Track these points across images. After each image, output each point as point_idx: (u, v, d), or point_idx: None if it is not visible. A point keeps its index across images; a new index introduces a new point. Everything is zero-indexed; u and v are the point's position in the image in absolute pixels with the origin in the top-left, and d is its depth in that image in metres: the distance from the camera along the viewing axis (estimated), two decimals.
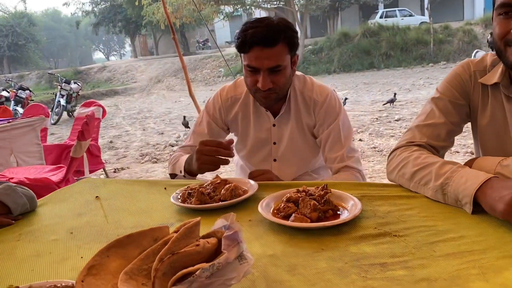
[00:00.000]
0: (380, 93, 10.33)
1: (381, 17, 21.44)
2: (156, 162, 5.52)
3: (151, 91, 17.38)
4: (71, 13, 47.63)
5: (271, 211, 1.07)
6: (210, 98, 1.77)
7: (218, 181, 1.24)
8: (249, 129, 1.71)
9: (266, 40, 1.41)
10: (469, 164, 1.12)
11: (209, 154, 1.36)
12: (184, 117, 7.53)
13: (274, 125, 1.66)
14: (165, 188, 1.38)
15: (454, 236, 0.87)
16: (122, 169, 5.38)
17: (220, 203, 1.15)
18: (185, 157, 1.56)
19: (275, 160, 1.72)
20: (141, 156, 5.94)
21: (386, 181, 1.28)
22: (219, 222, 0.74)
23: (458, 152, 4.63)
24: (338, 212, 1.03)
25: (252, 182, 1.28)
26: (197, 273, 0.62)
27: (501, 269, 0.73)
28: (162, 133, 7.56)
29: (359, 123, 6.72)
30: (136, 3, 19.37)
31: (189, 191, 1.22)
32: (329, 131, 1.59)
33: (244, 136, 1.73)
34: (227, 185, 1.21)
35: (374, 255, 0.83)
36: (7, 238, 1.12)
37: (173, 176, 1.64)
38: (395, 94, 8.36)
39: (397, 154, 1.22)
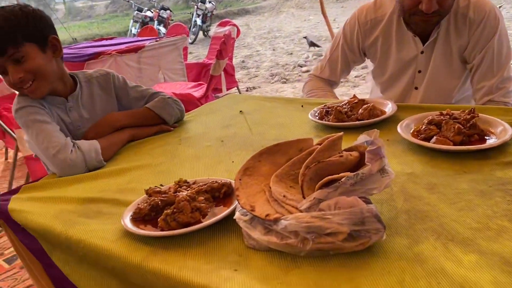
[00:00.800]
0: None
1: None
2: (285, 83, 5.63)
3: (281, 9, 17.20)
4: None
5: (411, 132, 1.07)
6: (347, 20, 1.67)
7: (356, 101, 1.26)
8: (390, 56, 1.58)
9: None
10: None
11: None
12: (305, 37, 7.39)
13: (422, 52, 1.52)
14: (302, 106, 1.44)
15: None
16: (254, 88, 5.61)
17: (358, 122, 1.18)
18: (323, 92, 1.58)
19: (416, 88, 1.60)
20: (271, 76, 6.10)
21: None
22: (362, 138, 0.78)
23: None
24: (486, 138, 0.99)
25: (390, 103, 1.27)
26: (342, 180, 0.68)
27: None
28: (291, 54, 7.59)
29: None
30: None
31: (327, 109, 1.27)
32: (482, 56, 1.42)
33: (383, 63, 1.62)
34: (365, 105, 1.22)
35: None
36: (170, 141, 1.31)
37: None
38: None
39: None
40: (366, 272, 0.62)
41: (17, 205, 1.00)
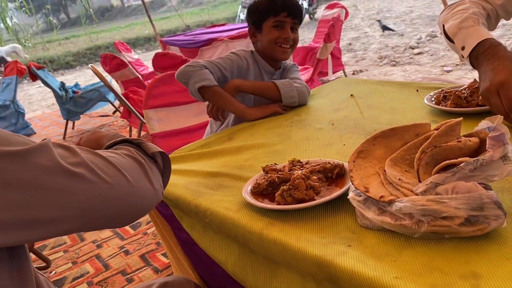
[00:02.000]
0: None
1: None
2: (395, 65, 5.41)
3: None
4: None
5: None
6: None
7: (476, 85, 1.20)
8: None
9: None
10: None
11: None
12: (379, 20, 7.03)
13: None
14: (417, 90, 1.41)
15: None
16: (361, 71, 5.49)
17: (478, 107, 1.13)
18: (484, 32, 1.12)
19: None
20: (379, 58, 5.90)
21: None
22: (483, 123, 0.76)
23: None
24: None
25: None
26: (461, 165, 0.68)
27: None
28: (402, 35, 7.23)
29: None
30: None
31: (444, 93, 1.23)
32: None
33: None
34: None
35: None
36: (283, 124, 1.38)
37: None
38: None
39: None
40: (483, 257, 0.62)
41: None
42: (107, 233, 2.59)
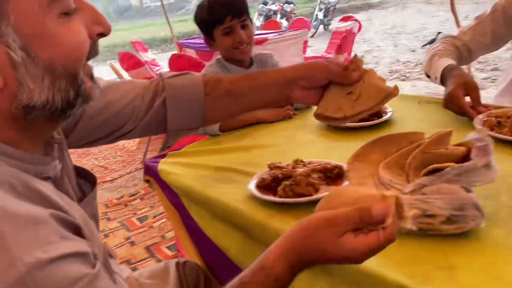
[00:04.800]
0: None
1: None
2: (404, 80, 5.48)
3: (407, 4, 16.42)
4: None
5: None
6: None
7: None
8: None
9: None
10: None
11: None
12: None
13: None
14: (418, 103, 1.49)
15: None
16: None
17: None
18: (447, 61, 1.39)
19: None
20: (390, 73, 5.97)
21: None
22: (471, 135, 0.84)
23: None
24: None
25: None
26: (447, 169, 0.76)
27: None
28: (413, 51, 7.30)
29: None
30: None
31: (497, 119, 1.13)
32: None
33: None
34: None
35: None
36: (289, 127, 1.47)
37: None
38: None
39: None
40: (460, 252, 0.70)
41: (164, 167, 1.23)
42: (114, 223, 2.68)
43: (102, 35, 0.60)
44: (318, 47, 9.24)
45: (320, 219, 0.58)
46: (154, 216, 2.68)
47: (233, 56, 1.66)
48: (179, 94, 0.93)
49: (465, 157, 0.82)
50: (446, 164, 0.77)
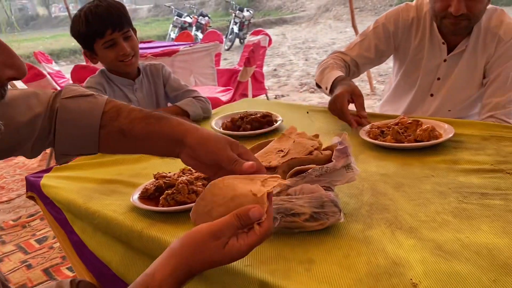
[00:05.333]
0: None
1: None
2: (313, 92, 5.74)
3: (318, 20, 17.31)
4: None
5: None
6: (390, 11, 1.70)
7: (410, 121, 1.22)
8: (417, 58, 1.65)
9: None
10: None
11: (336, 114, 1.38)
12: None
13: (445, 61, 1.60)
14: (307, 112, 1.57)
15: None
16: (282, 96, 5.76)
17: (417, 143, 1.13)
18: (337, 73, 1.52)
19: (432, 95, 1.68)
20: (300, 85, 6.23)
21: None
22: (335, 139, 0.91)
23: None
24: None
25: (446, 125, 1.22)
26: (309, 171, 0.81)
27: None
28: None
29: None
30: None
31: (381, 129, 1.24)
32: (498, 72, 1.50)
33: (412, 64, 1.67)
34: (424, 126, 1.17)
35: (479, 186, 0.91)
36: None
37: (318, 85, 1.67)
38: None
39: None
40: (320, 247, 0.75)
41: (47, 182, 1.17)
42: (9, 247, 2.49)
43: (14, 78, 0.57)
44: (233, 59, 9.40)
45: (205, 234, 0.60)
46: (54, 237, 2.52)
47: (118, 68, 1.62)
48: (72, 119, 0.83)
49: (330, 160, 0.89)
50: (308, 166, 0.83)
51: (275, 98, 5.66)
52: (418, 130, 1.15)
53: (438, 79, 1.64)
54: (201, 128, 0.78)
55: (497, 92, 1.50)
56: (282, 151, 0.92)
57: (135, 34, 1.64)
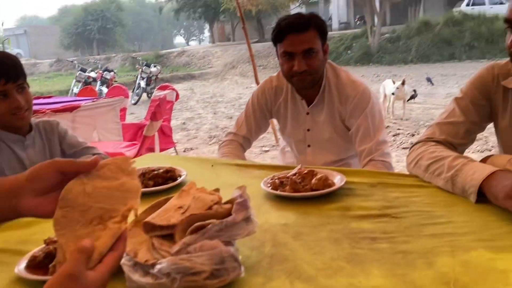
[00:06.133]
0: (457, 86, 9.85)
1: (467, 5, 20.00)
2: None
3: (225, 76, 17.92)
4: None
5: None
6: (258, 88, 1.98)
7: (306, 171, 1.27)
8: (287, 116, 1.88)
9: (298, 26, 1.61)
10: (484, 161, 1.19)
11: None
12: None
13: (307, 113, 1.83)
14: (212, 166, 1.58)
15: (444, 220, 0.98)
16: (191, 149, 5.75)
17: (313, 192, 1.19)
18: (235, 157, 1.80)
19: (309, 145, 1.89)
20: (209, 138, 6.30)
21: None
22: (235, 192, 0.92)
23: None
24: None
25: (340, 175, 1.28)
26: (209, 226, 0.81)
27: (470, 249, 0.84)
28: (231, 118, 7.89)
29: (428, 117, 6.54)
30: None
31: (281, 180, 1.28)
32: (358, 124, 1.71)
33: (284, 122, 1.91)
34: (319, 176, 1.23)
35: (369, 231, 0.97)
36: None
37: None
38: (414, 90, 7.75)
39: (416, 148, 1.32)
40: None
41: None
42: None
43: None
44: (141, 114, 9.26)
45: (59, 276, 0.58)
46: None
47: (9, 122, 1.52)
48: None
49: (230, 214, 0.89)
50: (208, 221, 0.82)
51: (184, 151, 5.63)
52: (313, 179, 1.22)
53: (308, 130, 1.86)
54: None
55: (365, 140, 1.70)
56: (181, 207, 0.90)
57: (28, 88, 1.57)
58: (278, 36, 1.67)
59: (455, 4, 21.88)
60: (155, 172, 1.43)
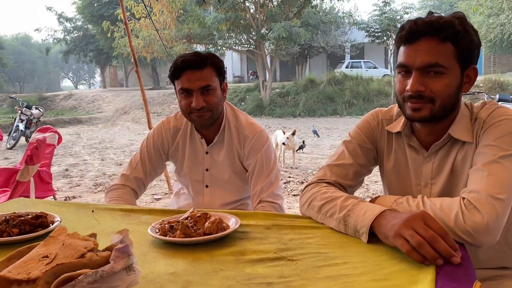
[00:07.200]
0: (340, 138, 10.66)
1: (347, 67, 22.30)
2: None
3: (116, 122, 17.26)
4: (42, 40, 47.29)
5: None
6: (154, 128, 1.89)
7: (198, 214, 1.19)
8: (184, 156, 1.82)
9: (195, 63, 1.60)
10: (373, 201, 1.23)
11: None
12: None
13: (207, 153, 1.79)
14: (92, 211, 1.42)
15: (340, 262, 0.96)
16: (74, 197, 5.27)
17: (207, 236, 1.11)
18: (125, 203, 1.68)
19: (207, 186, 1.83)
20: (95, 185, 5.85)
21: None
22: (115, 237, 0.80)
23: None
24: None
25: (234, 217, 1.23)
26: (79, 277, 0.67)
27: None
28: (120, 164, 7.50)
29: (316, 166, 6.89)
30: (109, 35, 19.55)
31: (170, 224, 1.18)
32: (254, 163, 1.72)
33: (181, 162, 1.84)
34: (212, 218, 1.16)
35: (265, 276, 0.91)
36: None
37: None
38: (303, 141, 8.37)
39: (308, 189, 1.32)
40: None
41: None
42: None
43: None
44: (17, 159, 8.39)
45: None
46: None
47: None
48: None
49: (108, 262, 0.77)
50: (79, 272, 0.69)
51: (65, 199, 5.13)
52: (207, 223, 1.13)
53: (207, 170, 1.81)
54: None
55: (259, 180, 1.71)
56: (47, 257, 0.76)
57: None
58: (175, 73, 1.63)
59: (337, 65, 24.24)
60: (22, 218, 1.23)
